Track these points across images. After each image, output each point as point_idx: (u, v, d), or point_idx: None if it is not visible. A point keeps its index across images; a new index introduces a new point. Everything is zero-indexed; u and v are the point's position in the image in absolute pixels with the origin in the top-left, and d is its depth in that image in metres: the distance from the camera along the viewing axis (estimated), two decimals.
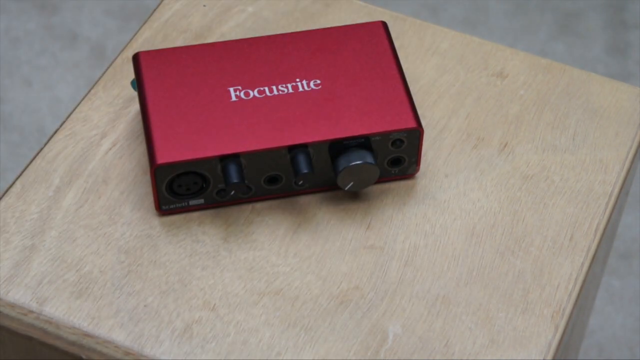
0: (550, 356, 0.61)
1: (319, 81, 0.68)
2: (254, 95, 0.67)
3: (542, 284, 0.64)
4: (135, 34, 0.78)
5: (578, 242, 0.66)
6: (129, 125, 0.72)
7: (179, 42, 0.77)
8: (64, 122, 0.72)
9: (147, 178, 0.69)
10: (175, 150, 0.64)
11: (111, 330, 0.62)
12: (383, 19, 0.76)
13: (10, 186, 0.69)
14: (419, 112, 0.72)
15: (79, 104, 0.73)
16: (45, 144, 0.71)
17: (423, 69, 0.76)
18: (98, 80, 0.74)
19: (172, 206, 0.66)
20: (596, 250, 0.67)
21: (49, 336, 0.62)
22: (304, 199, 0.68)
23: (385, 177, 0.69)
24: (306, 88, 0.68)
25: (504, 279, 0.65)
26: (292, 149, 0.65)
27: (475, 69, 0.76)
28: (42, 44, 1.71)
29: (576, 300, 0.64)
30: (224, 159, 0.65)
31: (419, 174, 0.70)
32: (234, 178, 0.64)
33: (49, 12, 1.75)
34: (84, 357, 0.62)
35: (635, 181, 1.45)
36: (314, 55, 0.70)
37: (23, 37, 1.72)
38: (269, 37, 0.71)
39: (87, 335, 0.62)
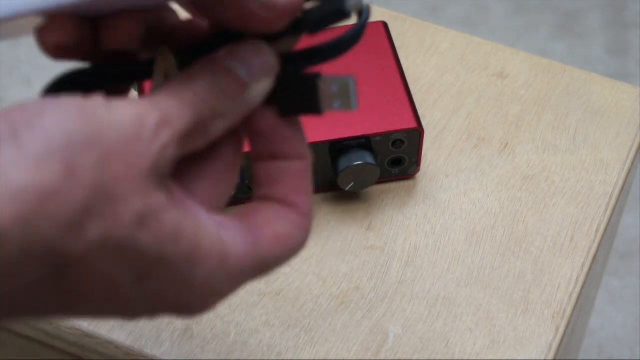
0: (551, 356, 0.61)
1: None
2: None
3: (542, 285, 0.64)
4: None
5: (579, 243, 0.66)
6: None
7: None
8: None
9: None
10: None
11: (111, 330, 0.62)
12: (383, 19, 0.76)
13: None
14: (420, 112, 0.72)
15: None
16: None
17: (423, 69, 0.76)
18: None
19: None
20: (597, 251, 0.67)
21: (50, 337, 0.62)
22: None
23: (385, 178, 0.68)
24: None
25: (505, 279, 0.65)
26: None
27: (476, 69, 0.76)
28: None
29: (577, 301, 0.64)
30: None
31: (419, 175, 0.69)
32: None
33: None
34: (84, 357, 0.62)
35: (636, 181, 1.45)
36: None
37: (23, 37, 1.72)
38: None
39: (87, 335, 0.62)
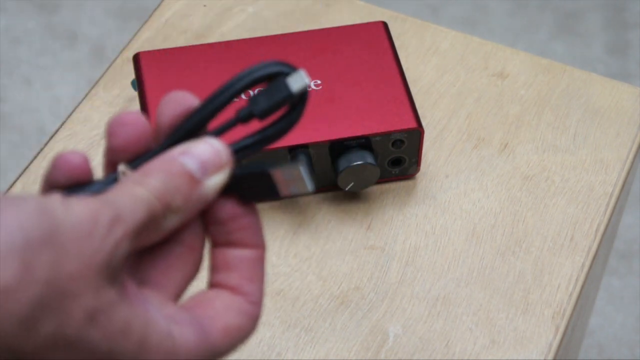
0: (550, 356, 0.61)
1: (319, 81, 0.68)
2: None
3: (542, 285, 0.64)
4: (136, 34, 0.78)
5: (578, 243, 0.66)
6: None
7: (179, 42, 0.77)
8: (64, 122, 0.72)
9: None
10: None
11: None
12: (383, 19, 0.76)
13: (11, 186, 0.69)
14: (420, 112, 0.72)
15: (79, 104, 0.73)
16: (46, 144, 0.71)
17: (423, 69, 0.76)
18: (98, 81, 0.74)
19: None
20: (597, 251, 0.67)
21: None
22: (304, 200, 0.68)
23: (385, 178, 0.68)
24: None
25: (505, 279, 0.65)
26: (293, 149, 0.65)
27: (476, 69, 0.76)
28: (42, 43, 1.71)
29: (577, 301, 0.64)
30: None
31: (419, 174, 0.69)
32: None
33: (49, 11, 1.75)
34: None
35: (636, 181, 1.45)
36: (314, 56, 0.70)
37: (23, 37, 1.72)
38: (269, 37, 0.71)
39: None
